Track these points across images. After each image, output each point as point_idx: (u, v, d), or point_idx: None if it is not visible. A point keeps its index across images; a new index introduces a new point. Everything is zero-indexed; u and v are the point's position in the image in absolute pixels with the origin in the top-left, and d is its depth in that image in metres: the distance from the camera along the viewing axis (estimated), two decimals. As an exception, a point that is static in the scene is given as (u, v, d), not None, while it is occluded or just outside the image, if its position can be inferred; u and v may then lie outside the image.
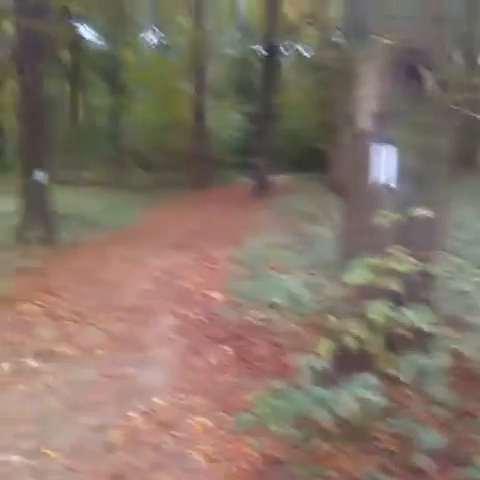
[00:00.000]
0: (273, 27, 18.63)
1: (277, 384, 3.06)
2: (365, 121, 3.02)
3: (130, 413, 3.11)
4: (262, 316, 4.29)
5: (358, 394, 2.44)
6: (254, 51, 28.03)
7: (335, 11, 24.56)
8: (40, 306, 5.20)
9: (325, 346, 2.76)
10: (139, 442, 2.84)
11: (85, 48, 24.82)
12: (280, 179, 21.82)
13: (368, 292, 2.74)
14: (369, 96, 3.02)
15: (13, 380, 3.59)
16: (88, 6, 20.96)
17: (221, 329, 4.43)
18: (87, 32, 26.43)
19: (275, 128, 20.20)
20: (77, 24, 23.35)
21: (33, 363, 3.87)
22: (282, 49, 20.03)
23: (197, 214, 13.02)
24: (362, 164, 3.04)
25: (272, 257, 6.78)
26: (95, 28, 26.17)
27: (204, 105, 22.25)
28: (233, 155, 26.09)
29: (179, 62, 24.48)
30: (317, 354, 2.85)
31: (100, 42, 26.72)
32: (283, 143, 26.18)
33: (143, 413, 3.11)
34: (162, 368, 3.75)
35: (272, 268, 6.01)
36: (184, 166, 21.56)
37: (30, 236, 7.73)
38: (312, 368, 2.80)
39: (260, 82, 20.18)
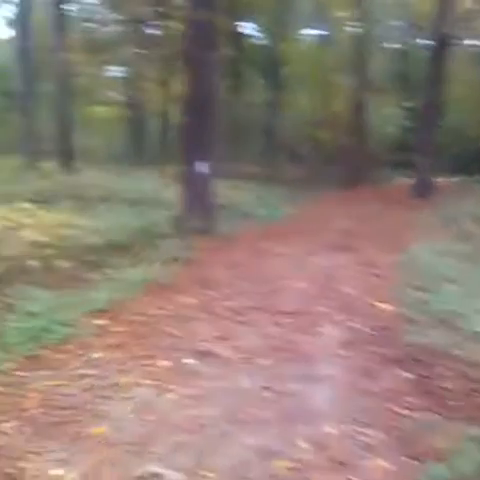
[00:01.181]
0: (445, 18, 17.10)
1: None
2: None
3: (297, 440, 2.72)
4: (450, 339, 3.65)
5: None
6: (419, 44, 26.34)
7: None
8: (198, 300, 5.06)
9: None
10: (310, 481, 2.44)
11: (245, 42, 25.12)
12: (443, 179, 20.19)
13: None
14: None
15: (172, 381, 3.39)
16: (250, 2, 21.15)
17: (395, 348, 3.87)
18: (248, 27, 26.76)
19: (438, 124, 18.67)
20: (239, 19, 23.67)
21: (192, 363, 3.66)
22: (452, 41, 18.31)
23: (353, 212, 12.37)
24: None
25: (447, 267, 6.03)
26: (256, 23, 26.39)
27: (363, 99, 21.35)
28: (391, 152, 24.83)
29: (339, 56, 23.79)
30: None
31: (260, 37, 26.92)
32: (446, 141, 24.30)
33: (312, 443, 2.69)
34: (330, 389, 3.31)
35: (450, 281, 5.29)
36: (339, 161, 20.94)
37: (189, 226, 7.76)
38: None
39: (426, 76, 18.78)
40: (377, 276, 6.12)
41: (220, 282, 5.75)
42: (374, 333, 4.22)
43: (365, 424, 2.89)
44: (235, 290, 5.45)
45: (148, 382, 3.38)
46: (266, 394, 3.23)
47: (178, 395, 3.22)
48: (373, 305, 4.95)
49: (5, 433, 2.79)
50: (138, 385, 3.35)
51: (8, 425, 2.86)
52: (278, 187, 16.20)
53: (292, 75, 22.86)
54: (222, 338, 4.13)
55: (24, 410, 3.01)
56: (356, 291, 5.47)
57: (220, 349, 3.90)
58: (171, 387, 3.32)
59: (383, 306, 4.86)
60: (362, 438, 2.76)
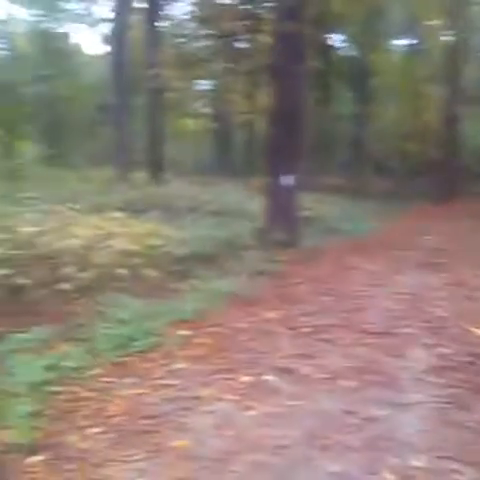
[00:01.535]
0: None
1: None
2: None
3: (382, 471, 2.59)
4: None
5: None
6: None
7: None
8: (281, 315, 5.02)
9: None
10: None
11: (333, 54, 24.89)
12: None
13: None
14: None
15: (253, 397, 3.36)
16: (341, 13, 20.92)
17: (491, 379, 3.62)
18: (336, 38, 26.49)
19: None
20: (328, 30, 23.47)
21: (272, 380, 3.61)
22: None
23: (443, 228, 11.85)
24: None
25: None
26: (344, 34, 26.06)
27: (456, 110, 20.45)
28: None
29: (431, 66, 23.01)
30: None
31: (348, 48, 26.56)
32: None
33: (398, 475, 2.54)
34: (418, 417, 3.13)
35: None
36: (429, 174, 20.18)
37: (273, 239, 7.74)
38: None
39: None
40: (469, 298, 5.78)
41: (303, 297, 5.68)
42: (466, 360, 3.97)
43: (455, 459, 2.70)
44: (318, 306, 5.36)
45: (229, 397, 3.37)
46: (349, 418, 3.11)
47: (258, 412, 3.18)
48: (465, 329, 4.66)
49: (91, 438, 2.87)
50: (219, 399, 3.34)
51: (93, 430, 2.95)
52: (364, 200, 15.87)
53: (381, 86, 22.40)
54: (304, 356, 4.05)
55: (109, 417, 3.10)
56: (446, 313, 5.19)
57: (301, 367, 3.83)
58: (251, 404, 3.28)
59: (476, 331, 4.58)
60: (452, 474, 2.58)
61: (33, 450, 2.69)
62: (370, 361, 3.98)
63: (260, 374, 3.70)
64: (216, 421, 3.08)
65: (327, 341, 4.39)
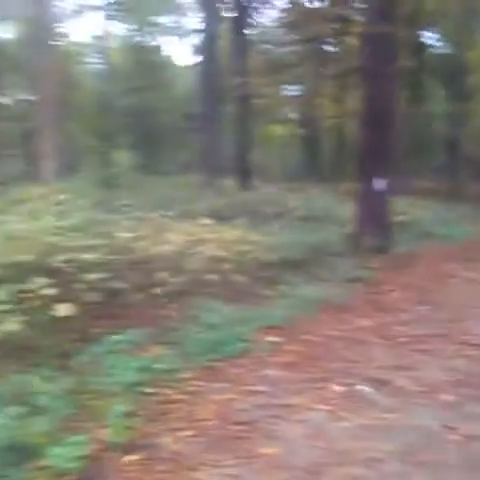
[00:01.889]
0: None
1: None
2: None
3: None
4: None
5: None
6: None
7: None
8: (374, 323, 4.88)
9: None
10: None
11: (426, 52, 23.96)
12: None
13: None
14: None
15: (346, 408, 3.26)
16: (435, 10, 20.13)
17: None
18: (428, 36, 25.45)
19: None
20: (422, 30, 22.64)
21: (367, 391, 3.49)
22: None
23: None
24: None
25: None
26: (438, 31, 24.99)
27: None
28: None
29: None
30: None
31: (442, 45, 25.46)
32: None
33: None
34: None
35: None
36: None
37: (364, 244, 7.54)
38: None
39: None
40: None
41: (397, 305, 5.49)
42: None
43: None
44: (414, 315, 5.15)
45: (320, 406, 3.30)
46: (447, 435, 2.93)
47: (351, 424, 3.08)
48: None
49: (183, 441, 2.90)
50: (310, 408, 3.27)
51: (185, 433, 2.98)
52: (459, 204, 15.09)
53: (479, 84, 21.25)
54: (400, 367, 3.89)
55: (200, 420, 3.12)
56: None
57: (397, 379, 3.67)
58: (344, 414, 3.19)
59: None
60: None
61: (128, 449, 2.75)
62: (470, 374, 3.75)
63: (353, 384, 3.60)
64: (307, 430, 3.02)
65: (424, 352, 4.19)
